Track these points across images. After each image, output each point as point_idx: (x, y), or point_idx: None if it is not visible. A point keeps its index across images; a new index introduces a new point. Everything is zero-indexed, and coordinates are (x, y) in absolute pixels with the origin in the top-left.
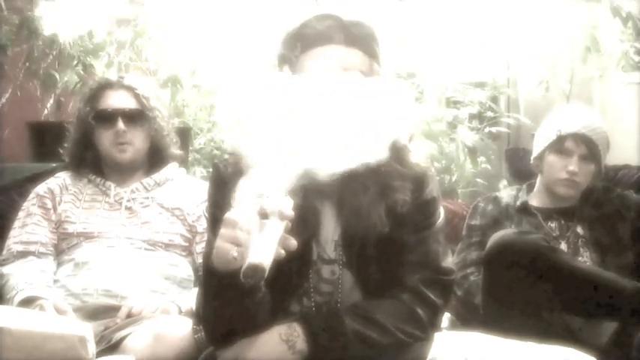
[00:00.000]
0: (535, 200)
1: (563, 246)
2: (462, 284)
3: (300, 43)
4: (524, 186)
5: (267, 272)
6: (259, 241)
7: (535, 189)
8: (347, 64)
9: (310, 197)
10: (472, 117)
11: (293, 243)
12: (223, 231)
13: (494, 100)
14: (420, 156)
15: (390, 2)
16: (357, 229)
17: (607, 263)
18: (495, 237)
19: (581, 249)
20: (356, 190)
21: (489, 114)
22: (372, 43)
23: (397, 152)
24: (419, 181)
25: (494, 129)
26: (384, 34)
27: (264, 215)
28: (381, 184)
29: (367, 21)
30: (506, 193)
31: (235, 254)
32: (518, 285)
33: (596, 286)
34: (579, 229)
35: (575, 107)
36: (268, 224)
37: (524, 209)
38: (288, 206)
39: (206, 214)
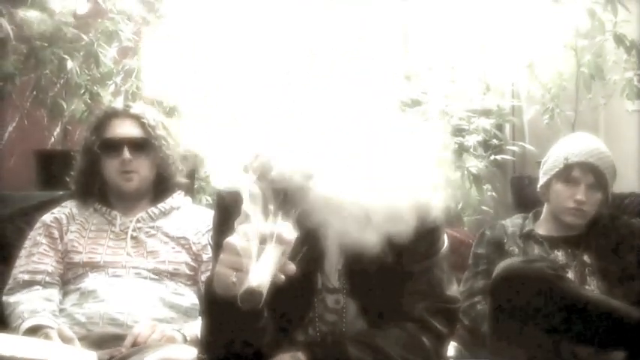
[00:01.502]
0: (541, 228)
1: (570, 274)
2: (468, 313)
3: None
4: (531, 214)
5: (264, 296)
6: (257, 265)
7: (541, 217)
8: None
9: (313, 227)
10: (477, 145)
11: (292, 268)
12: (223, 256)
13: (500, 127)
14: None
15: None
16: (360, 259)
17: (614, 292)
18: (502, 265)
19: (588, 277)
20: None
21: (494, 142)
22: None
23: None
24: (422, 210)
25: (499, 157)
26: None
27: (263, 240)
28: (383, 213)
29: None
30: (512, 221)
31: (234, 279)
32: (525, 314)
33: (604, 314)
34: (586, 258)
35: (581, 135)
36: (267, 249)
37: (531, 237)
38: (287, 231)
39: (210, 242)
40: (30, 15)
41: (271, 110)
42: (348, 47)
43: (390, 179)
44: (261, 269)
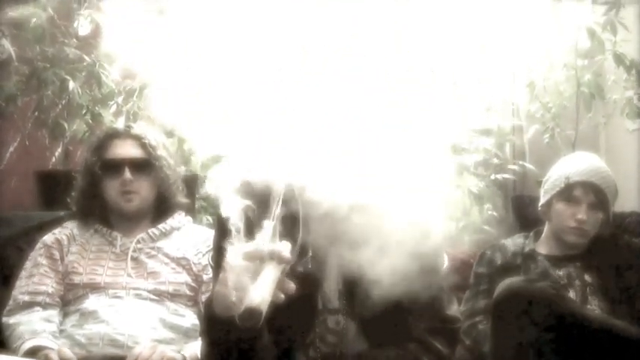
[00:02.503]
0: (542, 248)
1: (572, 294)
2: (470, 333)
3: None
4: (532, 233)
5: (263, 316)
6: (257, 284)
7: (542, 236)
8: None
9: (313, 248)
10: (478, 164)
11: (292, 287)
12: (223, 276)
13: (500, 147)
14: (422, 207)
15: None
16: (360, 279)
17: (616, 311)
18: (503, 285)
19: (589, 297)
20: (357, 240)
21: (495, 161)
22: None
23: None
24: (423, 229)
25: (500, 176)
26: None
27: (262, 259)
28: (382, 235)
29: None
30: (514, 240)
31: (234, 299)
32: (527, 333)
33: (605, 334)
34: (587, 277)
35: (582, 155)
36: (266, 268)
37: (532, 257)
38: (286, 250)
39: (211, 263)
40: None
41: (264, 107)
42: (341, 44)
43: (388, 197)
44: (261, 288)
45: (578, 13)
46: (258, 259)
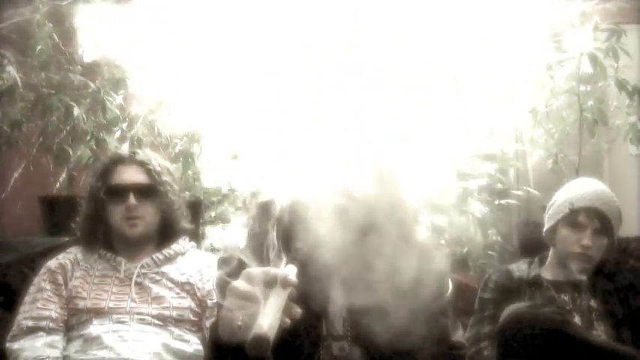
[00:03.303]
0: (548, 273)
1: (577, 319)
2: (475, 359)
3: None
4: (536, 259)
5: (271, 343)
6: (264, 311)
7: (547, 262)
8: None
9: (318, 273)
10: (482, 189)
11: (298, 311)
12: (228, 300)
13: (504, 172)
14: (425, 232)
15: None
16: (364, 306)
17: (621, 336)
18: (508, 311)
19: (595, 322)
20: (362, 267)
21: (499, 186)
22: None
23: (403, 230)
24: (425, 257)
25: (504, 201)
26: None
27: (268, 284)
28: (387, 264)
29: None
30: (518, 266)
31: (240, 323)
32: (533, 359)
33: (611, 359)
34: (593, 303)
35: (587, 180)
36: (272, 293)
37: (537, 282)
38: (291, 273)
39: (215, 288)
40: None
41: (265, 103)
42: (341, 39)
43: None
44: (268, 315)
45: (579, 40)
46: (264, 284)
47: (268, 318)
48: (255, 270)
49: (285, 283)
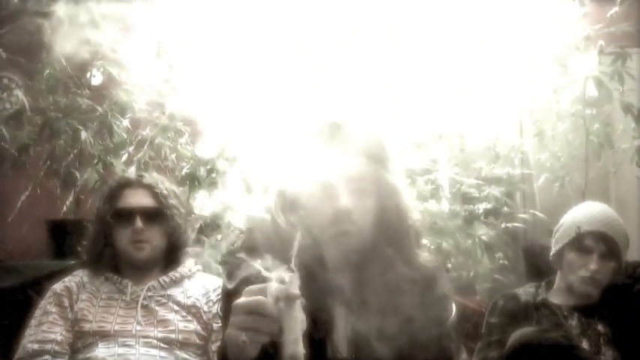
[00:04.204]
0: (555, 297)
1: (585, 344)
2: None
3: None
4: (543, 283)
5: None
6: (285, 334)
7: (555, 286)
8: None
9: (322, 296)
10: (488, 212)
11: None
12: (233, 318)
13: (510, 195)
14: (427, 256)
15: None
16: (368, 329)
17: None
18: (516, 335)
19: (603, 347)
20: (366, 290)
21: (505, 209)
22: (379, 149)
23: (405, 254)
24: (428, 281)
25: (510, 224)
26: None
27: (277, 300)
28: (389, 286)
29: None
30: (525, 290)
31: (244, 338)
32: None
33: None
34: (600, 327)
35: (593, 204)
36: (285, 315)
37: (544, 307)
38: (293, 285)
39: (220, 312)
40: None
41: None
42: (340, 40)
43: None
44: (290, 335)
45: (585, 63)
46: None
47: (292, 338)
48: (257, 287)
49: (289, 297)
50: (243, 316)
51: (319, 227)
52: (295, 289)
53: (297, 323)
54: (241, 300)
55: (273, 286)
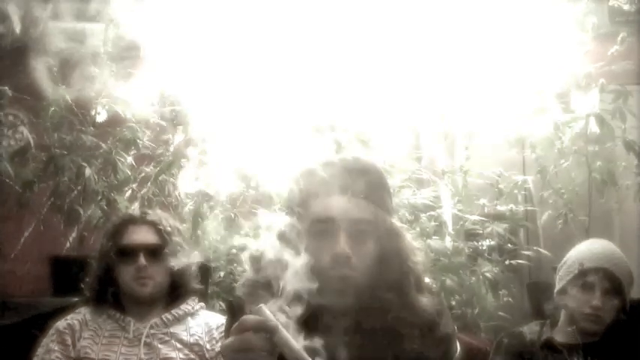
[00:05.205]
0: (559, 335)
1: None
2: None
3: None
4: (548, 321)
5: None
6: (287, 354)
7: (559, 324)
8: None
9: (322, 340)
10: (492, 249)
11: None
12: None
13: (514, 232)
14: (428, 300)
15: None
16: None
17: None
18: None
19: None
20: (365, 336)
21: (509, 246)
22: (379, 191)
23: (405, 299)
24: (429, 325)
25: (514, 261)
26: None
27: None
28: (390, 333)
29: (372, 168)
30: (530, 328)
31: None
32: None
33: None
34: None
35: (596, 241)
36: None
37: (549, 345)
38: (266, 316)
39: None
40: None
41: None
42: (345, 48)
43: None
44: (293, 356)
45: (586, 101)
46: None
47: (295, 355)
48: (235, 324)
49: (268, 330)
50: (232, 354)
51: (318, 271)
52: (269, 321)
53: (292, 344)
54: (225, 341)
55: (249, 319)
